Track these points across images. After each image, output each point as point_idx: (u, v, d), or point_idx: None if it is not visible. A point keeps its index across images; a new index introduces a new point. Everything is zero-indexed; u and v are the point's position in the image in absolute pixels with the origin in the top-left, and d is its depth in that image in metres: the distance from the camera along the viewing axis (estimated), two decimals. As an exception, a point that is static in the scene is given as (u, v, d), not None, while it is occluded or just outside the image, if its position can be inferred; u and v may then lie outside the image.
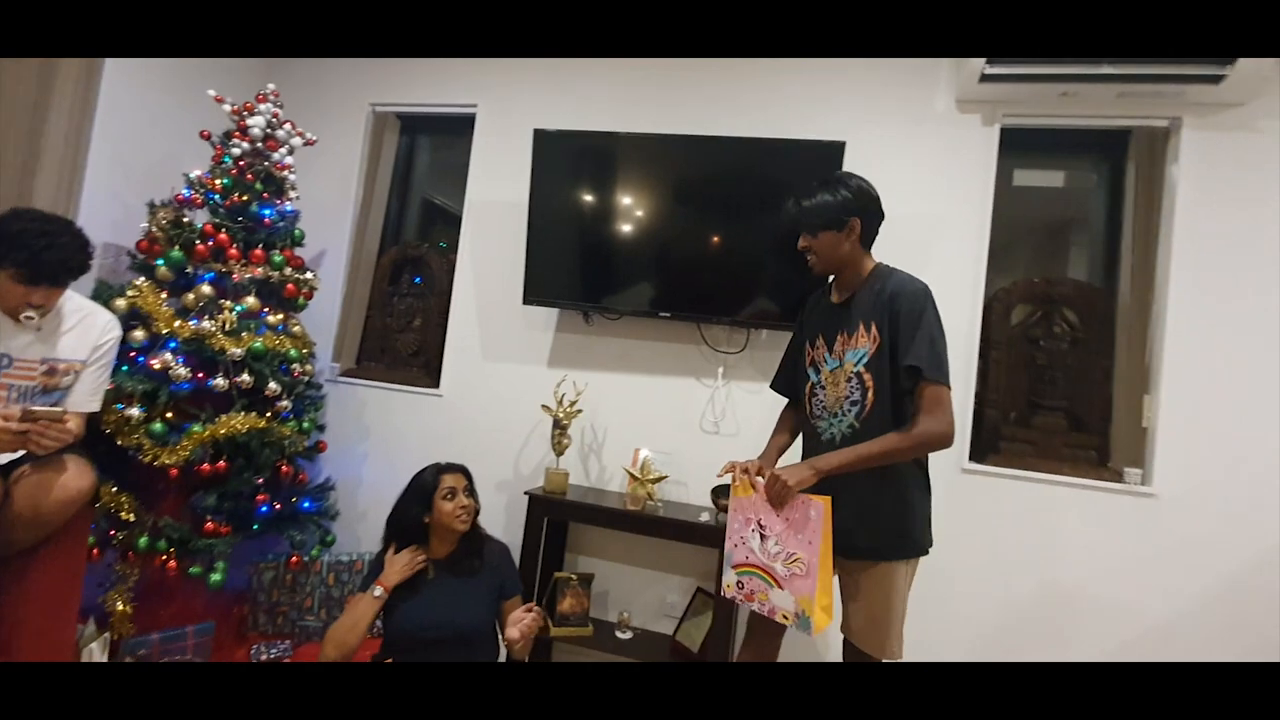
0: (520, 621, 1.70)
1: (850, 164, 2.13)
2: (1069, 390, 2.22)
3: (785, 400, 1.83)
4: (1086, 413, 2.23)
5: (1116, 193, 2.31)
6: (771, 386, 1.82)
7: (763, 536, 1.48)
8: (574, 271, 2.46)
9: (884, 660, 1.52)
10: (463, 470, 1.88)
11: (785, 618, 1.43)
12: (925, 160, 2.27)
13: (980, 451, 2.24)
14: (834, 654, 1.97)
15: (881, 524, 1.50)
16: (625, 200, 2.40)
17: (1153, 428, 2.11)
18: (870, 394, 1.47)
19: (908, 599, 1.53)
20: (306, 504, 2.40)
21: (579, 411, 2.37)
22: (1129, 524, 2.08)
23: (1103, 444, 2.22)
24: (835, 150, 2.14)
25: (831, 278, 1.65)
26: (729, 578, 1.55)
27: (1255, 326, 2.03)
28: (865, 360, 1.48)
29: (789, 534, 1.43)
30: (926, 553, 1.55)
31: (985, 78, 2.06)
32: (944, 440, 1.40)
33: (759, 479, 1.51)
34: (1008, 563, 2.15)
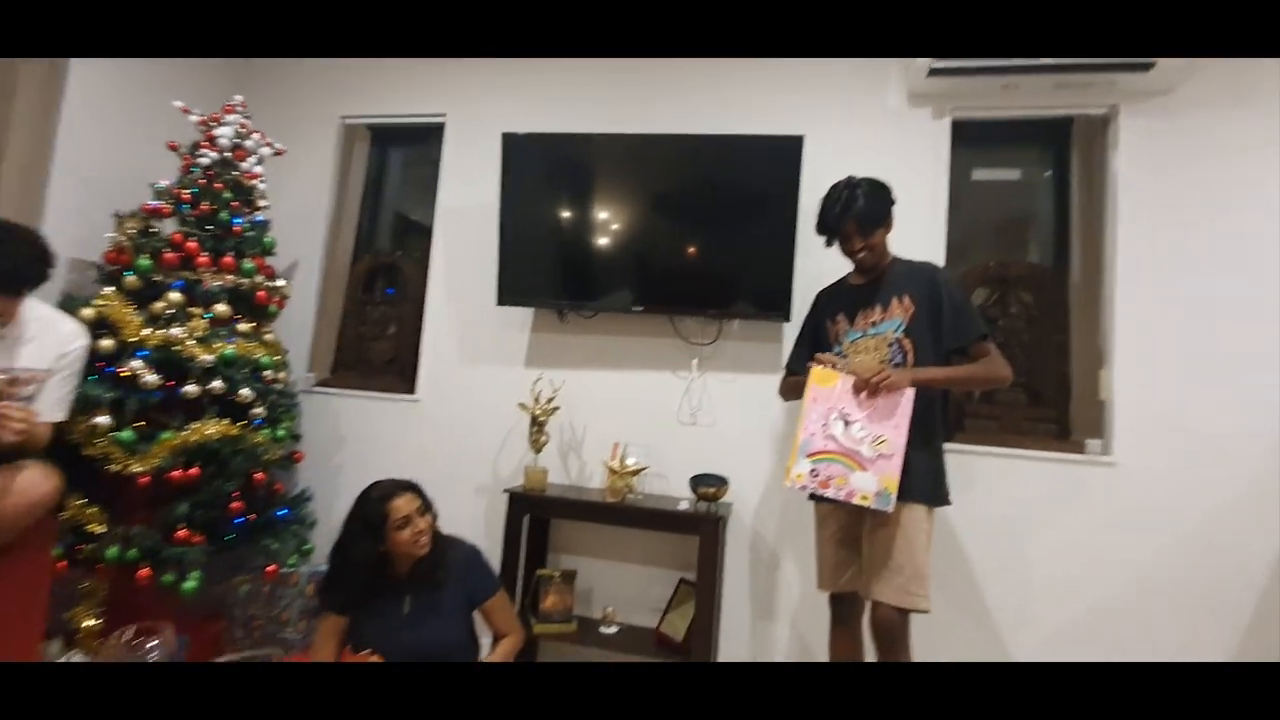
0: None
1: (809, 158, 2.22)
2: (1027, 366, 2.30)
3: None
4: (1045, 388, 2.31)
5: (1063, 179, 2.43)
6: (788, 366, 1.98)
7: (846, 423, 1.62)
8: (547, 270, 2.50)
9: (911, 612, 1.62)
10: (411, 488, 1.77)
11: (864, 499, 1.57)
12: (881, 153, 2.36)
13: (946, 430, 2.30)
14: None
15: (917, 466, 1.64)
16: (595, 199, 2.45)
17: (1110, 399, 2.19)
18: (910, 356, 1.71)
19: (929, 553, 1.66)
20: (283, 511, 2.37)
21: (556, 408, 2.39)
22: (1092, 493, 2.15)
23: (1062, 417, 2.31)
24: (795, 144, 2.22)
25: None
26: (801, 467, 1.63)
27: (1198, 298, 2.13)
28: (903, 328, 1.71)
29: (876, 419, 1.60)
30: (949, 503, 1.73)
31: (933, 72, 2.16)
32: (1010, 379, 1.73)
33: (846, 373, 1.67)
34: (977, 536, 2.20)
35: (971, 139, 2.41)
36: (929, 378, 1.66)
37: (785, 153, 2.22)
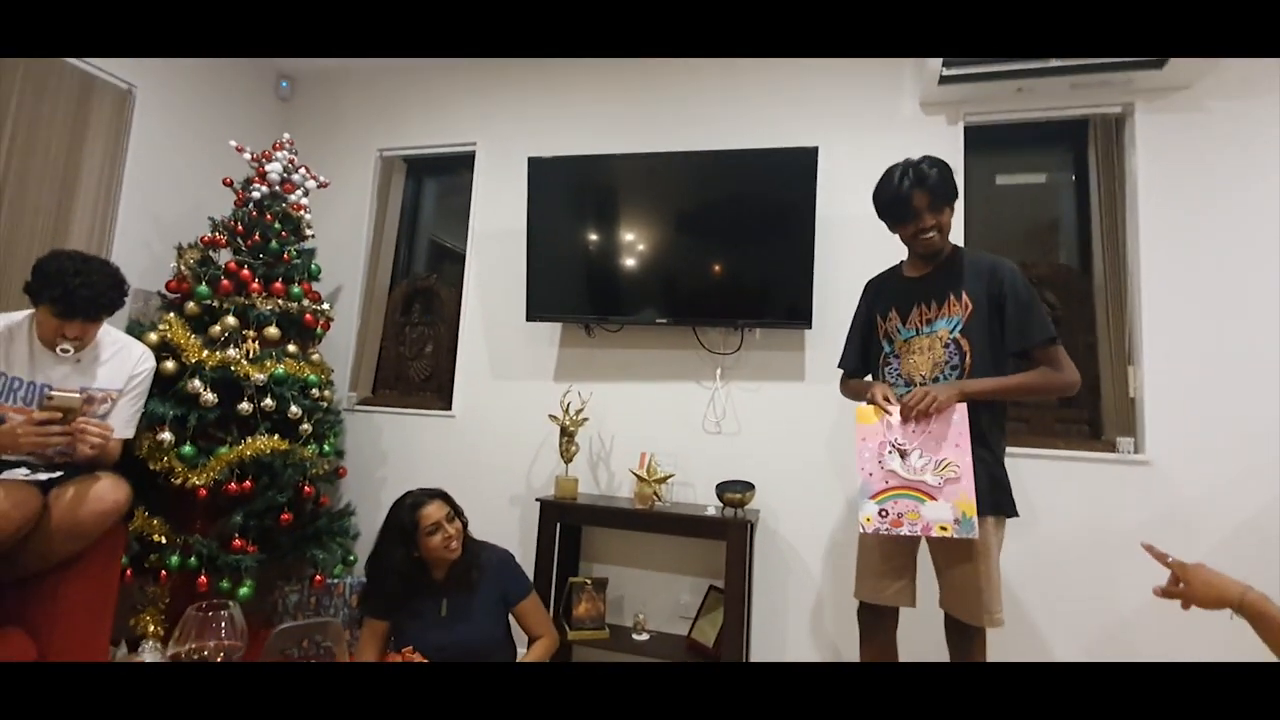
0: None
1: (824, 168, 2.29)
2: (1055, 367, 2.29)
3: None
4: (1075, 388, 2.29)
5: (1083, 180, 2.43)
6: (841, 365, 1.88)
7: (903, 455, 1.51)
8: (574, 287, 2.60)
9: (988, 628, 1.54)
10: (440, 496, 1.86)
11: (943, 529, 1.45)
12: (896, 160, 2.39)
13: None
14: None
15: (980, 477, 1.50)
16: (618, 216, 2.55)
17: (1140, 398, 2.17)
18: (968, 358, 1.58)
19: (1000, 562, 1.56)
20: (328, 523, 2.49)
21: (585, 419, 2.46)
22: (1127, 493, 2.12)
23: (1094, 417, 2.28)
24: (809, 155, 2.28)
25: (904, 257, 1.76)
26: (867, 511, 1.50)
27: (1224, 292, 2.11)
28: (960, 327, 1.59)
29: (933, 443, 1.49)
30: (1016, 514, 1.59)
31: (945, 79, 2.21)
32: (1076, 385, 1.57)
33: (891, 405, 1.55)
34: (1011, 543, 2.16)
35: (991, 144, 2.45)
36: (979, 390, 1.53)
37: (800, 164, 2.29)
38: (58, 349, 1.73)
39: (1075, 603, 2.12)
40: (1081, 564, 2.13)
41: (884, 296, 1.75)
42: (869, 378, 1.83)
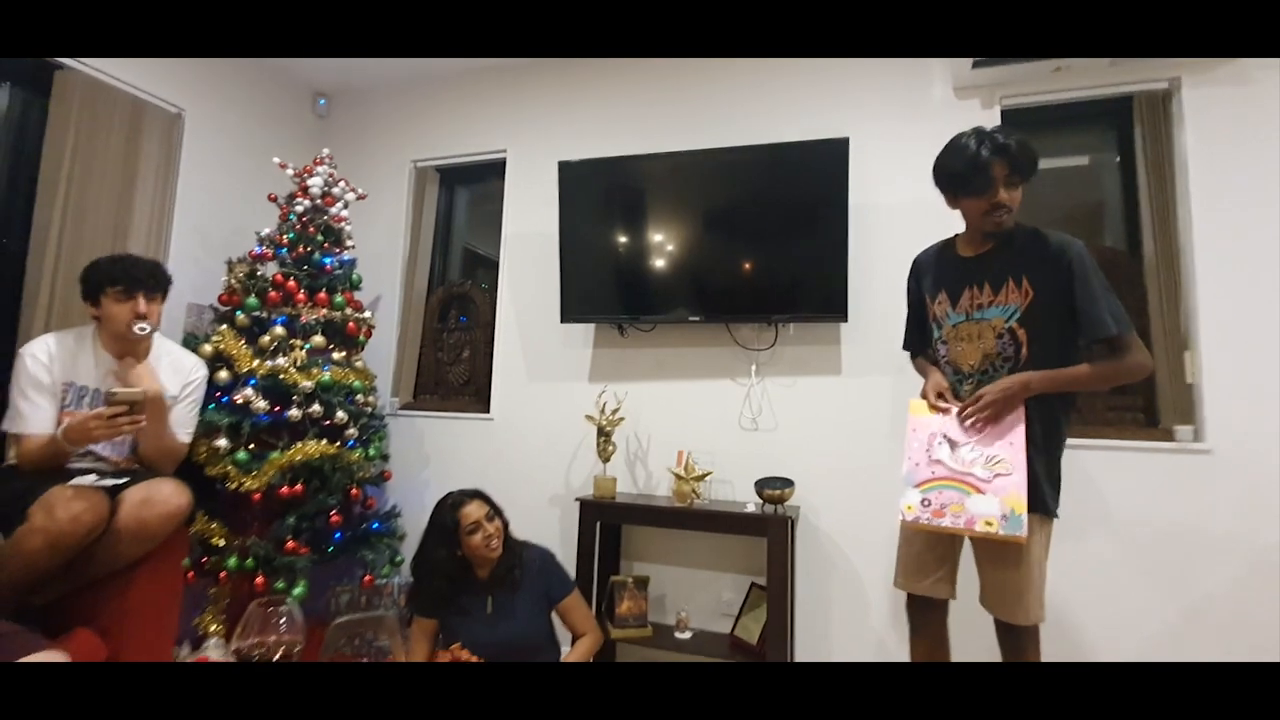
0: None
1: (856, 158, 2.26)
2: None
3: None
4: (1127, 375, 2.21)
5: (1128, 159, 2.35)
6: (905, 347, 1.83)
7: (953, 446, 1.47)
8: (606, 287, 2.62)
9: (1026, 626, 1.48)
10: (479, 496, 1.91)
11: (988, 524, 1.39)
12: (930, 148, 2.32)
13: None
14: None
15: (1036, 472, 1.45)
16: (649, 215, 2.56)
17: (1198, 383, 2.08)
18: (1024, 349, 1.48)
19: (1046, 563, 1.49)
20: (376, 525, 2.56)
21: (621, 419, 2.48)
22: (1187, 484, 2.04)
23: (1149, 405, 2.20)
24: (840, 147, 2.26)
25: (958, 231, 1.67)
26: (909, 499, 1.48)
27: (1286, 270, 2.01)
28: (1017, 316, 1.48)
29: (986, 438, 1.44)
30: (1057, 515, 1.51)
31: (978, 62, 2.17)
32: (1148, 370, 1.46)
33: (947, 404, 1.51)
34: (1064, 538, 2.10)
35: (1031, 127, 2.37)
36: (1042, 384, 1.42)
37: (831, 155, 2.26)
38: (135, 328, 1.82)
39: (1133, 601, 2.05)
40: (1140, 559, 2.05)
41: (932, 275, 1.65)
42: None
